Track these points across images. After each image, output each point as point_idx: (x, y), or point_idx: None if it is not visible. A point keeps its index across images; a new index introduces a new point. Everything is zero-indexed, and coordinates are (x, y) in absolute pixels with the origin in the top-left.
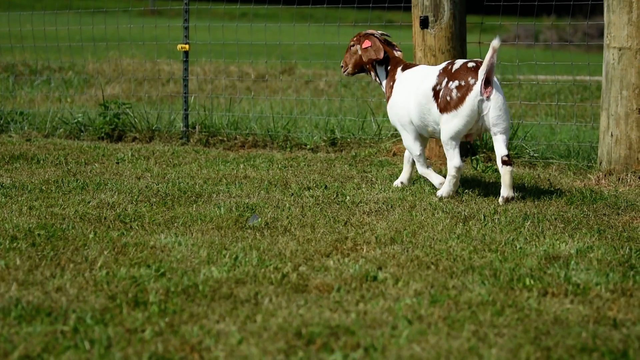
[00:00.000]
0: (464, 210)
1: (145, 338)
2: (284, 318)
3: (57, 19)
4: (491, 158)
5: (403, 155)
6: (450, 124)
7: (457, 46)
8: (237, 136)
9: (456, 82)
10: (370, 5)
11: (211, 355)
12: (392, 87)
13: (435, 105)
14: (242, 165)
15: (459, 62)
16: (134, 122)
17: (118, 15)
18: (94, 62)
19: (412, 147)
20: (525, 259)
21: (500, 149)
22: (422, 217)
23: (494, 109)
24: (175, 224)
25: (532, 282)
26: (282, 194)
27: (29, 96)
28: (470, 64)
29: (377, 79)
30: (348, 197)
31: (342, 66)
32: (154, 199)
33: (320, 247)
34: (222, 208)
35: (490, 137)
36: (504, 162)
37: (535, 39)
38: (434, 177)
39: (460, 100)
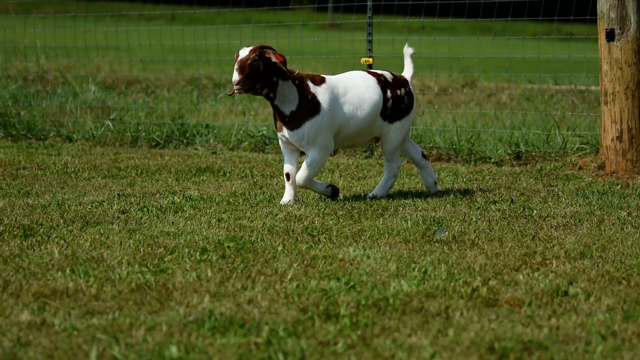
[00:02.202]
0: None
1: (337, 351)
2: (476, 332)
3: (242, 32)
4: None
5: (589, 169)
6: (401, 129)
7: None
8: (421, 149)
9: (403, 90)
10: (555, 17)
11: None
12: (314, 99)
13: (382, 117)
14: None
15: (387, 73)
16: None
17: (300, 28)
18: None
19: (325, 158)
20: None
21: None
22: (611, 232)
23: None
24: (362, 237)
25: None
26: (468, 207)
27: (213, 109)
28: (393, 74)
29: (272, 93)
30: (535, 211)
31: (237, 83)
32: (341, 212)
33: (509, 261)
34: (409, 221)
35: None
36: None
37: None
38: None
39: (410, 105)
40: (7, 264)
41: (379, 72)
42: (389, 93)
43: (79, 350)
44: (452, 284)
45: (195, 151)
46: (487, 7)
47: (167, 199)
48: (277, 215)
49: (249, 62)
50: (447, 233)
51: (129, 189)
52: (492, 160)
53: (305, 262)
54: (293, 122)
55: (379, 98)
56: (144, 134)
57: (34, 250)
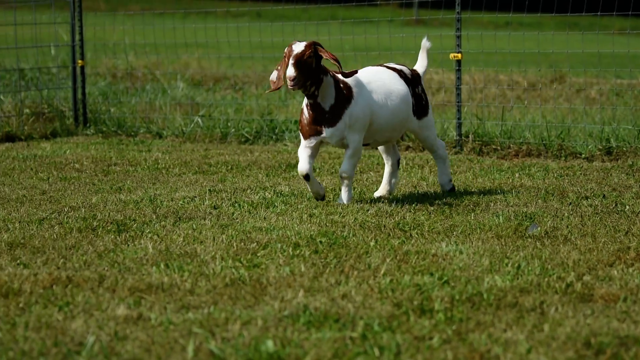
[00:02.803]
0: None
1: (433, 345)
2: (572, 327)
3: (330, 29)
4: None
5: None
6: (432, 124)
7: None
8: (511, 145)
9: (420, 87)
10: None
11: None
12: (347, 89)
13: (412, 112)
14: (517, 174)
15: (405, 69)
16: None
17: (388, 25)
18: None
19: (360, 151)
20: None
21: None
22: None
23: None
24: (454, 232)
25: None
26: (560, 203)
27: (301, 105)
28: (410, 69)
29: (317, 91)
30: (627, 207)
31: (293, 79)
32: (432, 208)
33: (603, 257)
34: (500, 217)
35: None
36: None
37: None
38: (350, 190)
39: (427, 100)
40: (102, 259)
41: (398, 67)
42: (411, 89)
43: (176, 344)
44: (546, 279)
45: (285, 147)
46: (575, 2)
47: (258, 194)
48: (368, 210)
49: (305, 57)
50: (539, 228)
51: (220, 185)
52: (583, 155)
53: (398, 257)
54: (333, 115)
55: (407, 94)
56: (233, 130)
57: (128, 245)
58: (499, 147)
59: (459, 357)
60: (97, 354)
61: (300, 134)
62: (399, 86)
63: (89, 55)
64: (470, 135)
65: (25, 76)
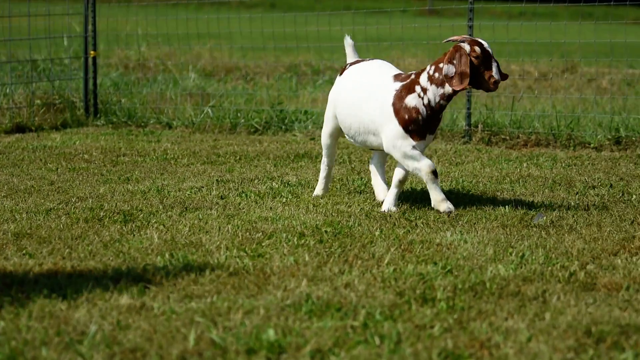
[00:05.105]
0: None
1: (434, 334)
2: (573, 316)
3: (342, 20)
4: None
5: None
6: None
7: None
8: (520, 135)
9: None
10: None
11: (501, 352)
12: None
13: None
14: (525, 164)
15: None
16: None
17: (400, 16)
18: None
19: None
20: None
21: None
22: None
23: None
24: (460, 222)
25: None
26: (567, 192)
27: (311, 96)
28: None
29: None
30: (634, 196)
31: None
32: None
33: (607, 246)
34: (506, 206)
35: None
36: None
37: None
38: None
39: None
40: (108, 249)
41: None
42: None
43: (178, 333)
44: (550, 268)
45: (294, 137)
46: None
47: (266, 184)
48: (374, 200)
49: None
50: (545, 218)
51: (227, 175)
52: (592, 145)
53: (402, 247)
54: (437, 122)
55: None
56: (243, 120)
57: (134, 235)
58: (507, 137)
59: (459, 346)
60: (99, 343)
61: (410, 135)
62: None
63: (101, 46)
64: (479, 125)
65: (37, 67)
